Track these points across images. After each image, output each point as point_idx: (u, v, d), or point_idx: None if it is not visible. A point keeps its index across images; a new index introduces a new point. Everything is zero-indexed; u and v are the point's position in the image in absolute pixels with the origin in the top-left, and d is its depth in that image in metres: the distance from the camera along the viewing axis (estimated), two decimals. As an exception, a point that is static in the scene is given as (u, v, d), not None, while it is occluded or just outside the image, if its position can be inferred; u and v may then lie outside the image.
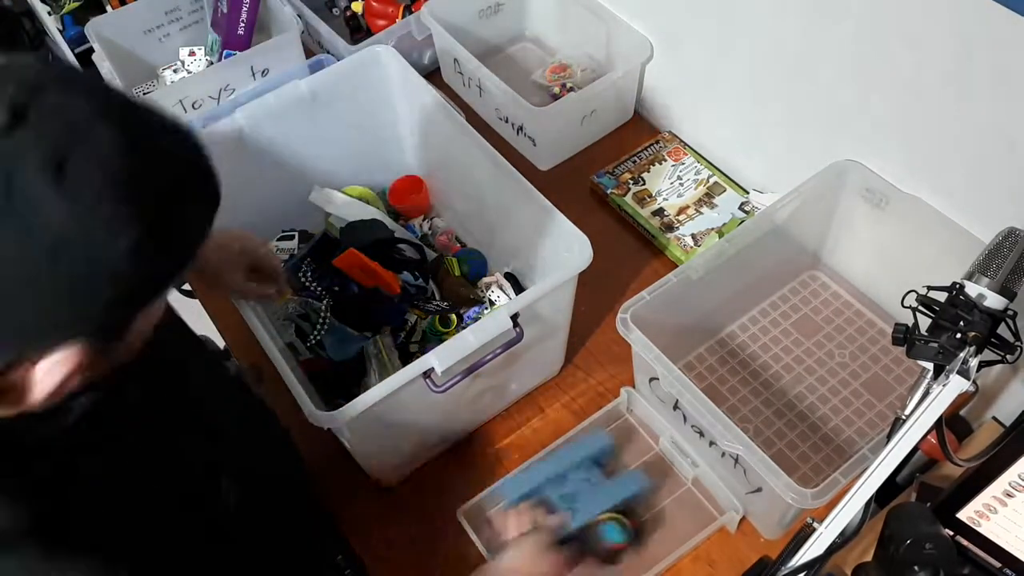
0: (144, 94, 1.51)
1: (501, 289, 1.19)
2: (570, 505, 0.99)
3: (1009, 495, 0.77)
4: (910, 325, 0.76)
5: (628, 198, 1.35)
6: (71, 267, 0.47)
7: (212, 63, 1.52)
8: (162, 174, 0.51)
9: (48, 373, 0.51)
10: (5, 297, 0.47)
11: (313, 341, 1.13)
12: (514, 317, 0.93)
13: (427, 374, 0.90)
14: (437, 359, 0.89)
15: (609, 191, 1.36)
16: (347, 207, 1.28)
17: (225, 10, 1.47)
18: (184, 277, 0.55)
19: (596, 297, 1.25)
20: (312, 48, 1.60)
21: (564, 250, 0.98)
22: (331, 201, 1.29)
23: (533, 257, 1.13)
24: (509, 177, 1.07)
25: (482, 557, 1.00)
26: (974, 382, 0.72)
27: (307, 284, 1.16)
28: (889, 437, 0.72)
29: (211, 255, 0.94)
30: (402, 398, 0.90)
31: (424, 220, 1.34)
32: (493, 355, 0.94)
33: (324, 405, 0.88)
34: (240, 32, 1.47)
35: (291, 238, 1.26)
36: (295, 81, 1.20)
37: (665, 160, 1.40)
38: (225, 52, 1.49)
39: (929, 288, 0.78)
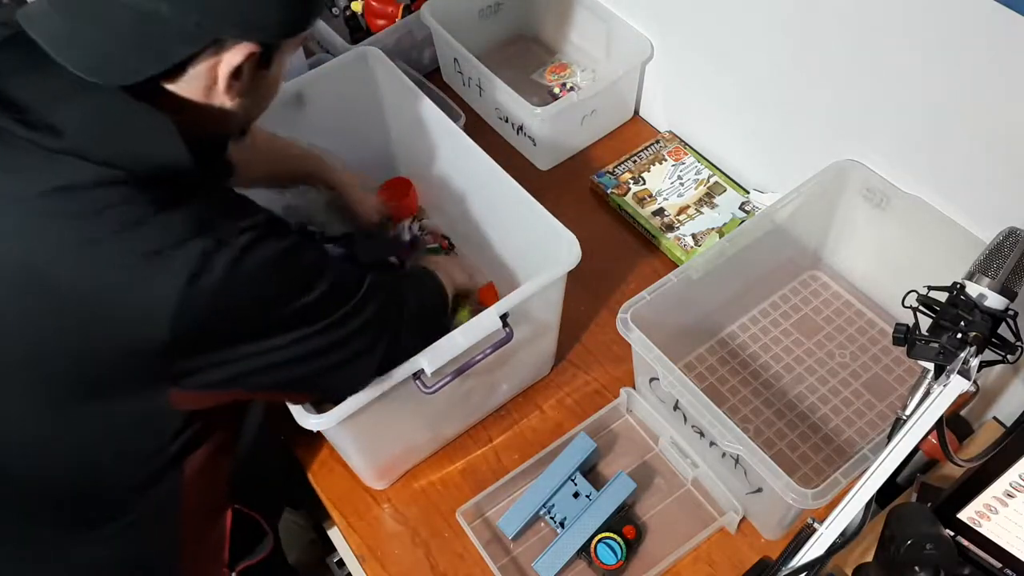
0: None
1: None
2: (563, 526, 1.00)
3: (1010, 495, 0.77)
4: (911, 325, 0.76)
5: (628, 198, 1.35)
6: None
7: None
8: None
9: (232, 56, 0.71)
10: None
11: None
12: (503, 317, 0.93)
13: (417, 375, 0.90)
14: (426, 360, 0.89)
15: (609, 191, 1.36)
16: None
17: (225, 10, 1.46)
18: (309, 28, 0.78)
19: (596, 297, 1.25)
20: (312, 48, 1.60)
21: (553, 249, 0.98)
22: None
23: (523, 256, 1.13)
24: (497, 177, 1.07)
25: (481, 558, 1.00)
26: (975, 382, 0.72)
27: None
28: (890, 437, 0.72)
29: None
30: (391, 400, 0.89)
31: (413, 222, 1.34)
32: (483, 355, 0.94)
33: (314, 408, 0.88)
34: (240, 32, 1.47)
35: None
36: (281, 83, 1.19)
37: (665, 160, 1.40)
38: (225, 52, 1.48)
39: (930, 288, 0.78)
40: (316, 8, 0.75)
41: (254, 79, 0.75)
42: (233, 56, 0.70)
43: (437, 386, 0.92)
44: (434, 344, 0.90)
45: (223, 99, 0.74)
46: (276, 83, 0.81)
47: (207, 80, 0.72)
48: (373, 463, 1.05)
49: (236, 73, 0.72)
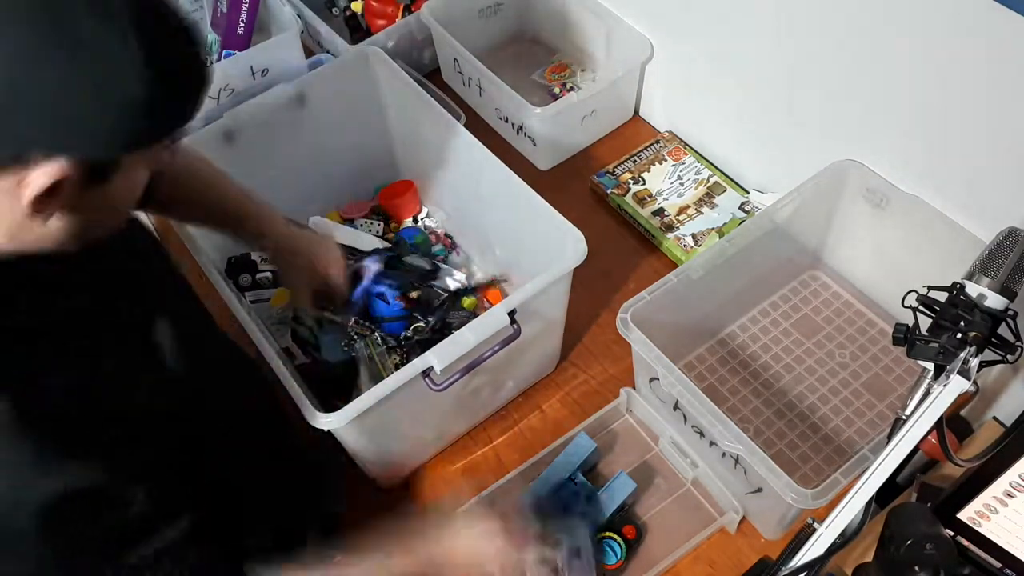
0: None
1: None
2: (563, 526, 1.00)
3: (1010, 495, 0.77)
4: (910, 325, 0.76)
5: (628, 198, 1.35)
6: (88, 72, 0.52)
7: (211, 63, 1.52)
8: (180, 36, 0.58)
9: (38, 177, 0.54)
10: (23, 90, 0.51)
11: (311, 343, 1.13)
12: (511, 314, 0.93)
13: (426, 373, 0.90)
14: (436, 357, 0.89)
15: (609, 191, 1.36)
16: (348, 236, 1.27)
17: (224, 10, 1.46)
18: (169, 142, 0.62)
19: (596, 297, 1.25)
20: (312, 48, 1.60)
21: (559, 246, 0.99)
22: (331, 231, 1.28)
23: (528, 254, 1.13)
24: (502, 175, 1.07)
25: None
26: (974, 382, 0.72)
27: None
28: (890, 437, 0.72)
29: (283, 253, 1.02)
30: (401, 398, 0.90)
31: (414, 221, 1.34)
32: (491, 352, 0.95)
33: (322, 407, 0.88)
34: (240, 32, 1.47)
35: None
36: (282, 84, 1.20)
37: (665, 160, 1.40)
38: (225, 52, 1.48)
39: (929, 288, 0.78)
40: (173, 115, 0.59)
41: (84, 197, 0.58)
42: (40, 177, 0.54)
43: (446, 384, 0.92)
44: (443, 341, 0.91)
45: (34, 221, 0.58)
46: (127, 192, 0.63)
47: (9, 201, 0.55)
48: (383, 461, 1.06)
49: (51, 192, 0.55)
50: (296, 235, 1.04)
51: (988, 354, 0.74)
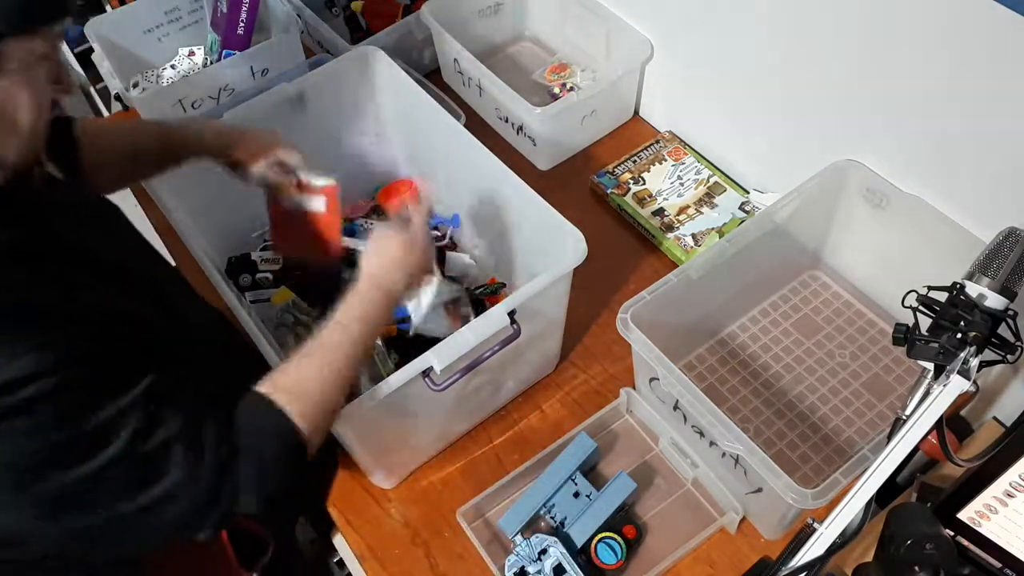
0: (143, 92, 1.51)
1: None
2: (563, 526, 1.00)
3: (1010, 495, 0.77)
4: (911, 325, 0.76)
5: (628, 198, 1.35)
6: None
7: (212, 63, 1.52)
8: None
9: None
10: None
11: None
12: (511, 314, 0.93)
13: (426, 373, 0.90)
14: (436, 357, 0.89)
15: (609, 191, 1.36)
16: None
17: (224, 10, 1.46)
18: (54, 32, 0.61)
19: (596, 297, 1.25)
20: (312, 48, 1.60)
21: (559, 246, 0.99)
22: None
23: (528, 254, 1.13)
24: (502, 174, 1.07)
25: (481, 558, 1.00)
26: (974, 382, 0.72)
27: None
28: (890, 437, 0.72)
29: (218, 142, 1.00)
30: (401, 397, 0.90)
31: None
32: (491, 352, 0.95)
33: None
34: (240, 32, 1.47)
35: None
36: (282, 84, 1.20)
37: (665, 160, 1.40)
38: (225, 52, 1.48)
39: (929, 288, 0.78)
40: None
41: None
42: None
43: (446, 384, 0.92)
44: (443, 341, 0.91)
45: None
46: (29, 95, 0.62)
47: None
48: (383, 462, 1.06)
49: None
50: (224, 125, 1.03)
51: (988, 354, 0.75)
